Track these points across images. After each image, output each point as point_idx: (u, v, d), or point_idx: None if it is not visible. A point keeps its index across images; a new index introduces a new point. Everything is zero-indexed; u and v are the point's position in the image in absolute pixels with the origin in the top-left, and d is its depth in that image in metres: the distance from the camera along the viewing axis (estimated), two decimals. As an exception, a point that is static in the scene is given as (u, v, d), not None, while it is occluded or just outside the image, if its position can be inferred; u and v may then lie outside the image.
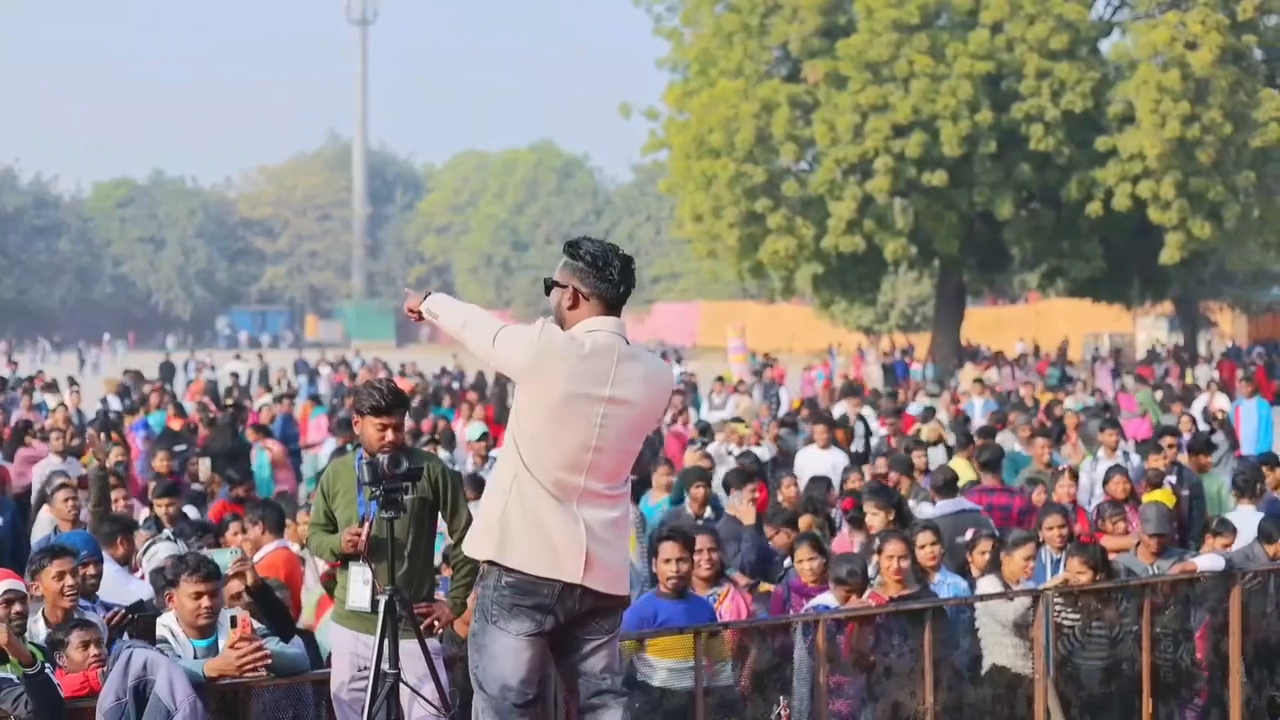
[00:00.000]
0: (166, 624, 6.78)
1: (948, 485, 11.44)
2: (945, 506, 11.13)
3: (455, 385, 32.32)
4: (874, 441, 19.21)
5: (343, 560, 6.81)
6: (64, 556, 7.28)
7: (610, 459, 5.47)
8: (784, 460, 16.53)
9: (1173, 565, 9.04)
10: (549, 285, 5.62)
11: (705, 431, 18.22)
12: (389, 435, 6.78)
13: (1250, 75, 39.99)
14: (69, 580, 7.19)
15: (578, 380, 5.38)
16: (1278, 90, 40.29)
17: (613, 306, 5.57)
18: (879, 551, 8.84)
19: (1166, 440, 14.06)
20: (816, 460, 15.49)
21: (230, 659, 6.50)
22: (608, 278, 5.53)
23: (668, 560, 8.10)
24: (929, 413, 20.43)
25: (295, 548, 10.08)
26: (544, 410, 5.38)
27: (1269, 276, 52.27)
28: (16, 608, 6.96)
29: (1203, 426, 23.26)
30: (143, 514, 11.18)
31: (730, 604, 8.62)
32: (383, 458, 6.50)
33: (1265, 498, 11.82)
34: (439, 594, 7.22)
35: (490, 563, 5.47)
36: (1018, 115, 39.32)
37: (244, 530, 10.04)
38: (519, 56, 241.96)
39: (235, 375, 34.14)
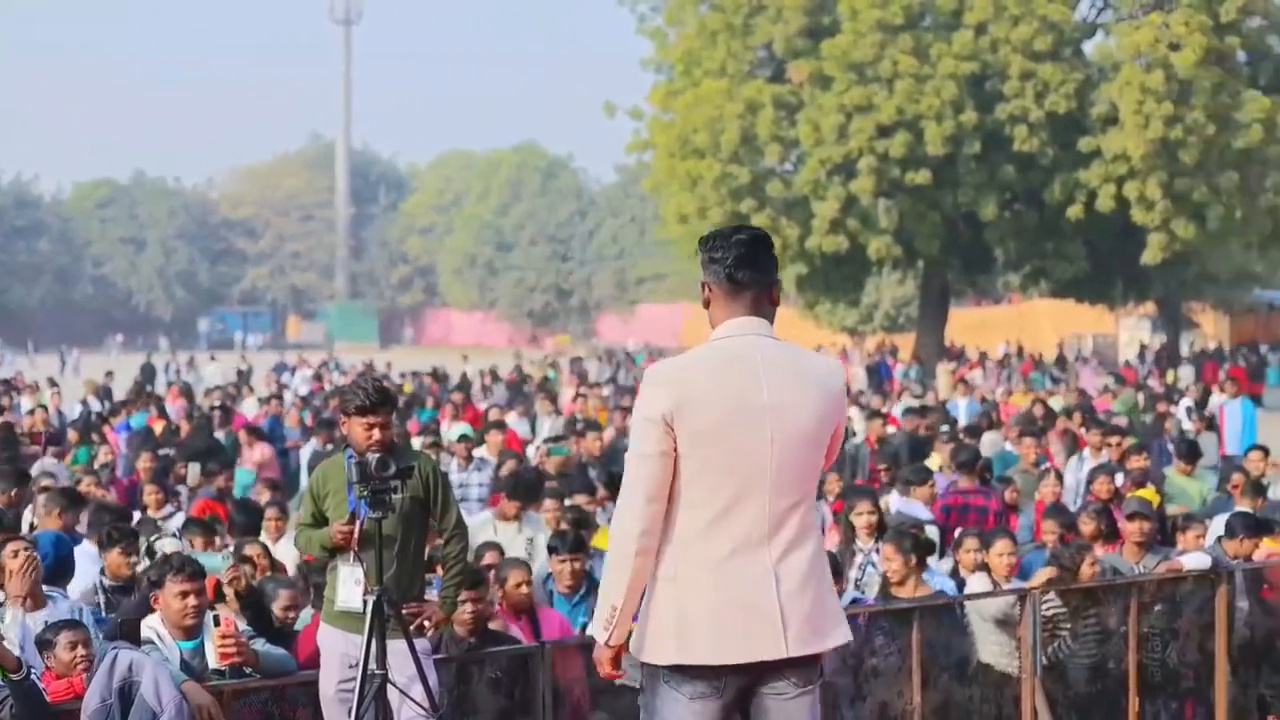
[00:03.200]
0: (152, 625, 6.74)
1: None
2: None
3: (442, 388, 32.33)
4: (856, 442, 19.21)
5: (332, 554, 6.79)
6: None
7: (789, 478, 4.60)
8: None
9: (1159, 564, 9.05)
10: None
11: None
12: (376, 434, 6.76)
13: (1233, 76, 40.10)
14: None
15: (725, 396, 4.54)
16: (1261, 91, 40.40)
17: (741, 298, 4.69)
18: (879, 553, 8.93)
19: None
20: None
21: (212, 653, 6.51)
22: (717, 258, 4.69)
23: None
24: (922, 412, 20.42)
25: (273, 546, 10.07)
26: (703, 448, 4.52)
27: (1251, 277, 52.38)
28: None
29: (1187, 426, 23.38)
30: (135, 516, 11.16)
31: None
32: (371, 457, 6.49)
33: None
34: (430, 594, 7.20)
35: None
36: (1001, 116, 39.38)
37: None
38: (503, 57, 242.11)
39: (239, 374, 33.94)
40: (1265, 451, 14.50)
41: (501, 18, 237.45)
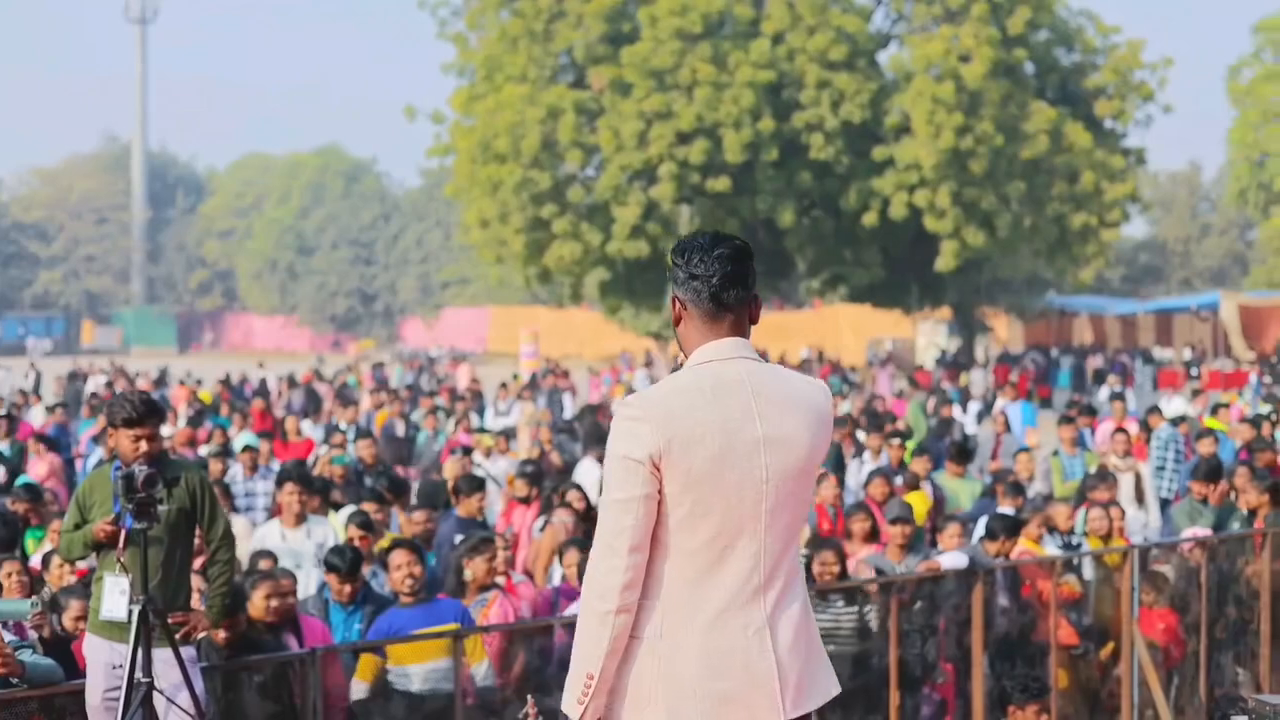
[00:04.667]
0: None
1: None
2: None
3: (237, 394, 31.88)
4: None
5: (97, 551, 6.78)
6: None
7: (783, 519, 4.12)
8: (566, 468, 16.68)
9: (919, 563, 9.36)
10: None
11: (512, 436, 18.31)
12: (143, 446, 6.80)
13: (1021, 88, 41.37)
14: None
15: (717, 431, 4.02)
16: (1047, 103, 41.70)
17: (724, 319, 4.13)
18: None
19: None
20: (589, 471, 15.61)
21: None
22: (699, 274, 4.11)
23: (398, 567, 8.28)
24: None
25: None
26: (694, 490, 4.01)
27: (1043, 283, 53.97)
28: None
29: (971, 430, 24.05)
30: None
31: (499, 609, 8.74)
32: (138, 469, 6.51)
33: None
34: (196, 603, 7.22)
35: None
36: (798, 124, 40.04)
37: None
38: (304, 59, 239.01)
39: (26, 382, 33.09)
40: (1029, 453, 15.26)
41: (302, 21, 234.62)
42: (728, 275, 4.10)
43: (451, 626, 7.95)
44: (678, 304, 4.16)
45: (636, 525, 3.96)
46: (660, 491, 3.98)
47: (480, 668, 7.97)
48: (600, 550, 4.03)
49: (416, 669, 7.81)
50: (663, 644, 4.00)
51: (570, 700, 4.06)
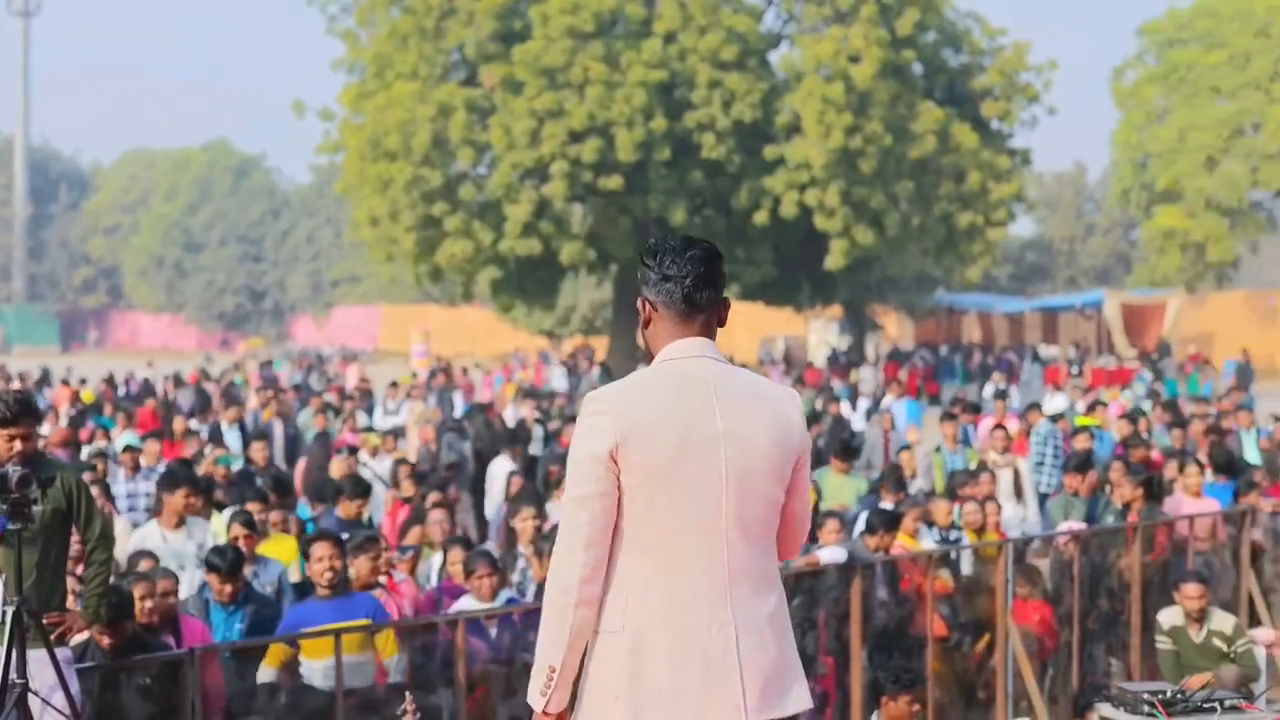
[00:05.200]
0: None
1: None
2: None
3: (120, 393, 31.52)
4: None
5: None
6: None
7: (747, 516, 4.11)
8: (452, 466, 16.71)
9: (799, 558, 9.49)
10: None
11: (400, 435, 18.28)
12: (18, 445, 6.79)
13: (909, 89, 41.83)
14: None
15: (676, 424, 4.05)
16: (935, 103, 42.20)
17: (694, 320, 4.21)
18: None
19: None
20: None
21: None
22: (673, 276, 4.18)
23: (319, 559, 8.32)
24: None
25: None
26: (653, 484, 4.04)
27: (932, 281, 54.62)
28: None
29: (859, 427, 24.33)
30: None
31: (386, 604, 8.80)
32: (12, 470, 6.49)
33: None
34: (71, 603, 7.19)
35: None
36: (690, 124, 40.20)
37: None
38: (192, 52, 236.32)
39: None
40: (909, 450, 15.62)
41: (189, 13, 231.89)
42: (700, 276, 4.18)
43: (362, 622, 8.01)
44: (648, 306, 4.21)
45: (593, 522, 3.99)
46: (620, 485, 4.01)
47: (392, 661, 8.03)
48: (560, 547, 4.07)
49: (318, 664, 7.83)
50: (626, 638, 4.01)
51: (534, 692, 4.08)
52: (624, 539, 4.04)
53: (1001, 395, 23.18)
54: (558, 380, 40.30)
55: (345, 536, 9.47)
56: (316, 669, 7.78)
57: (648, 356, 4.27)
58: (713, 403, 4.07)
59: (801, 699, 4.19)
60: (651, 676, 3.99)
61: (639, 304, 4.26)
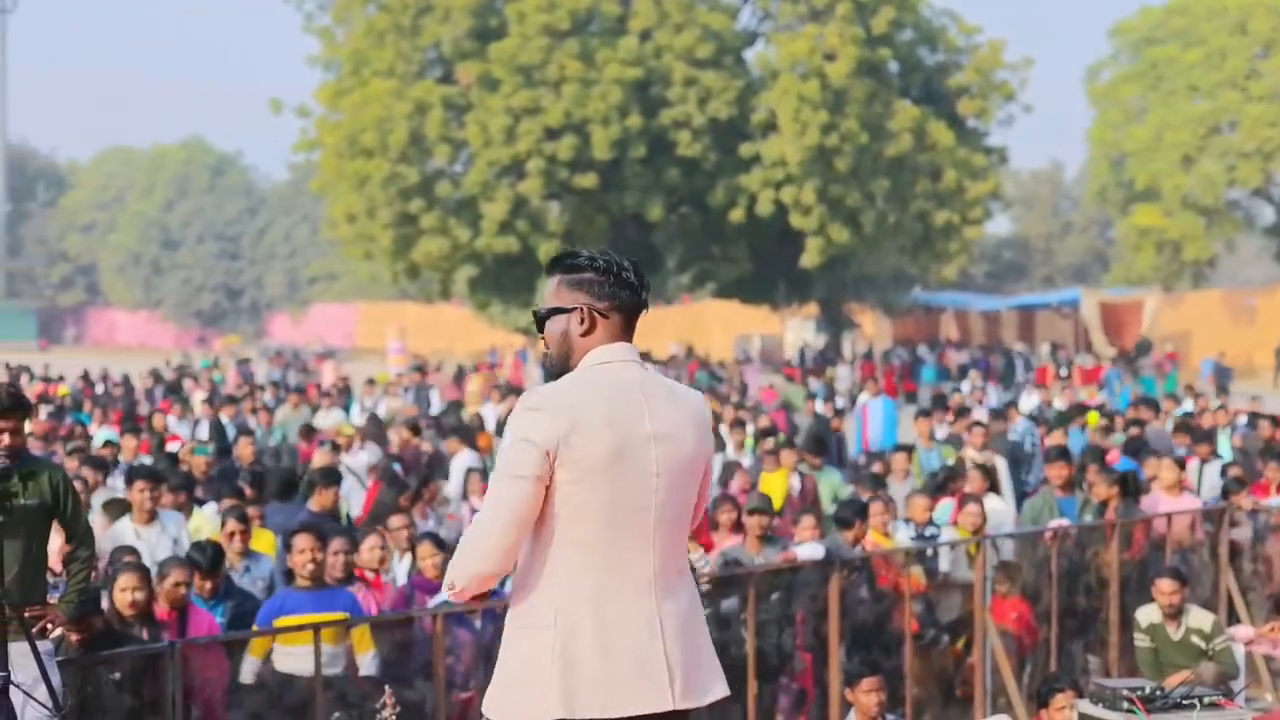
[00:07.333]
0: None
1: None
2: None
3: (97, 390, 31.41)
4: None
5: None
6: None
7: (671, 514, 4.28)
8: (437, 459, 16.72)
9: (777, 555, 9.50)
10: (544, 317, 4.38)
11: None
12: (5, 439, 6.75)
13: (885, 87, 41.91)
14: None
15: (613, 425, 4.18)
16: (911, 101, 42.28)
17: (631, 326, 4.37)
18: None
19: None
20: (461, 463, 15.63)
21: None
22: (627, 282, 4.33)
23: (301, 550, 8.41)
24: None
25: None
26: (588, 481, 4.16)
27: (909, 279, 54.65)
28: None
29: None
30: None
31: (361, 600, 8.81)
32: (-3, 462, 6.47)
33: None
34: (51, 597, 7.17)
35: None
36: (666, 121, 40.24)
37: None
38: (168, 49, 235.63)
39: None
40: (908, 451, 15.44)
41: (166, 9, 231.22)
42: (648, 287, 4.40)
43: (340, 615, 8.03)
44: (594, 315, 4.29)
45: (522, 501, 4.11)
46: (553, 481, 4.12)
47: (366, 657, 8.05)
48: (482, 516, 4.19)
49: (286, 650, 7.85)
50: (557, 630, 4.13)
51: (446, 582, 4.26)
52: (555, 535, 4.17)
53: (979, 393, 23.22)
54: (536, 378, 40.23)
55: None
56: (292, 654, 7.83)
57: (558, 363, 4.36)
58: (643, 405, 4.23)
59: (719, 690, 4.37)
60: (584, 666, 4.12)
61: (579, 314, 4.30)
